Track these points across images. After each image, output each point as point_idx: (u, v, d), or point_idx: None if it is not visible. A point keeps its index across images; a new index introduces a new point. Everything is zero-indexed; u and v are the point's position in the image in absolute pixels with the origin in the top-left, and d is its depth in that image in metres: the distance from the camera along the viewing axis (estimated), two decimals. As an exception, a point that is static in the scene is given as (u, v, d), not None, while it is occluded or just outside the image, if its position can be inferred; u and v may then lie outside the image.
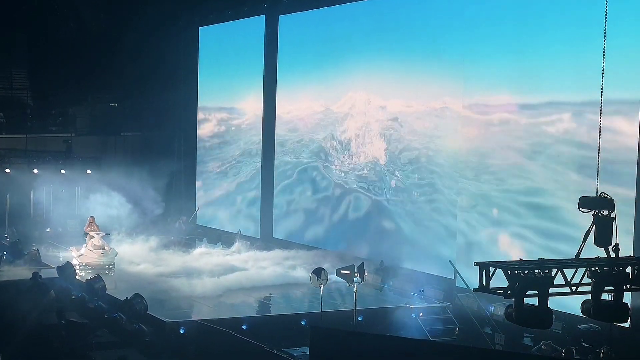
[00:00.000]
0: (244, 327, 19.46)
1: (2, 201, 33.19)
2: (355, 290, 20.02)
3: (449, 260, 23.06)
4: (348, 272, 20.37)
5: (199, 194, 36.71)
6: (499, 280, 11.42)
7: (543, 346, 17.82)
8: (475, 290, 11.59)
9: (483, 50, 23.17)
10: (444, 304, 21.95)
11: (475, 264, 11.50)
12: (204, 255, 29.07)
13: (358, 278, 20.30)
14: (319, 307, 20.15)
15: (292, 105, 31.34)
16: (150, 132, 38.45)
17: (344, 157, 28.59)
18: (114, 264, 26.70)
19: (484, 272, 11.32)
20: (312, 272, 20.59)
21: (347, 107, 28.48)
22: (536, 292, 11.28)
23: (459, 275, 22.31)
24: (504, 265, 11.28)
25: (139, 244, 29.66)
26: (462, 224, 23.53)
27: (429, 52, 25.13)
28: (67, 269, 24.01)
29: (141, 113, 37.60)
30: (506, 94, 22.32)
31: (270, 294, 24.35)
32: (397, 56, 26.33)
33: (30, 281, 22.44)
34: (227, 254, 29.35)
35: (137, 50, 35.06)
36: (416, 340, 16.67)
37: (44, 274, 23.58)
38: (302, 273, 24.70)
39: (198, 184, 36.89)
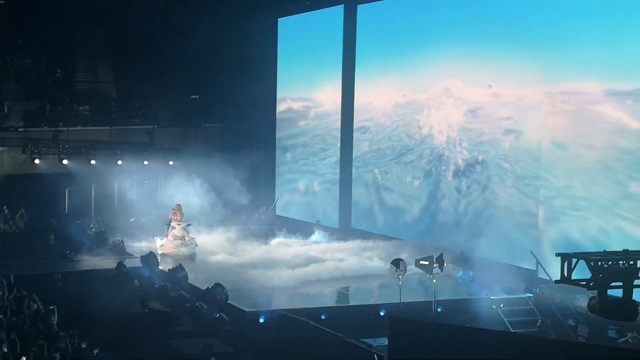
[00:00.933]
0: (322, 317, 19.49)
1: (88, 192, 33.95)
2: (434, 281, 19.85)
3: (530, 251, 22.66)
4: (427, 262, 20.18)
5: (279, 184, 36.91)
6: (582, 271, 11.18)
7: (630, 339, 17.38)
8: (557, 281, 11.39)
9: (566, 35, 22.62)
10: (525, 296, 21.60)
11: (557, 255, 11.29)
12: (282, 246, 29.23)
13: (437, 269, 20.10)
14: (398, 298, 20.05)
15: (371, 95, 31.22)
16: (230, 124, 38.81)
17: (422, 146, 28.35)
18: (194, 254, 27.10)
19: (566, 263, 11.10)
20: (391, 262, 20.50)
21: (426, 95, 28.23)
22: (620, 283, 10.99)
23: (541, 266, 21.92)
24: (587, 256, 11.05)
25: (219, 234, 29.97)
26: (544, 215, 23.10)
27: (509, 38, 24.67)
28: (150, 258, 24.45)
29: (221, 105, 37.99)
30: (592, 81, 21.71)
31: (348, 284, 24.30)
32: (477, 44, 25.93)
33: (115, 270, 22.92)
34: (306, 244, 29.46)
35: (216, 42, 35.40)
36: (497, 332, 16.42)
37: (128, 263, 24.04)
38: (381, 264, 24.61)
39: (277, 174, 37.09)
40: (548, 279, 21.04)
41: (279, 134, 37.13)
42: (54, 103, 38.56)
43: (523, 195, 24.04)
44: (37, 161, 36.05)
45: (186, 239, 27.44)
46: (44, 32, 39.96)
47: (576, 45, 22.28)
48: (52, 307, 18.01)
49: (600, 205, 21.31)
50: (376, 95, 30.89)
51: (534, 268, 22.44)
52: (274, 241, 30.17)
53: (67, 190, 33.65)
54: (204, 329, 19.99)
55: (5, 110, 37.53)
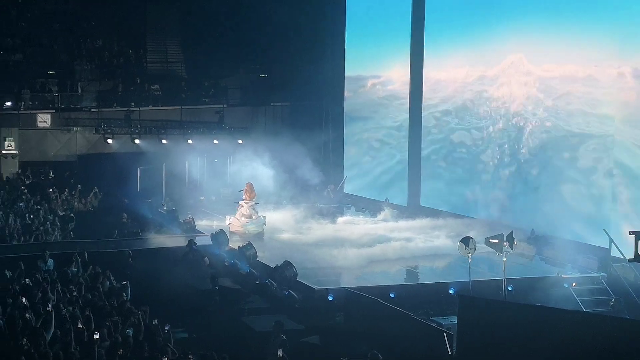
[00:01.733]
0: (391, 295, 19.45)
1: (159, 171, 34.43)
2: (504, 259, 19.62)
3: (604, 229, 22.24)
4: (497, 241, 19.93)
5: (347, 162, 36.87)
6: (657, 250, 10.92)
7: None
8: (630, 260, 11.16)
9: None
10: (598, 274, 21.21)
11: (631, 233, 11.09)
12: (351, 224, 29.19)
13: (507, 247, 19.85)
14: (468, 277, 19.88)
15: (440, 71, 30.89)
16: (299, 102, 38.87)
17: (493, 122, 27.97)
18: (262, 232, 27.27)
19: (639, 242, 10.86)
20: (460, 241, 20.34)
21: (496, 71, 27.82)
22: (697, 262, 10.71)
23: (614, 244, 21.49)
24: (662, 235, 10.77)
25: (287, 212, 30.03)
26: (617, 192, 22.60)
27: (583, 12, 24.11)
28: (220, 236, 24.66)
29: (290, 83, 38.08)
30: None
31: (417, 262, 24.15)
32: (549, 18, 25.42)
33: (186, 248, 23.22)
34: (374, 222, 29.36)
35: (285, 21, 35.42)
36: (568, 311, 16.16)
37: (198, 241, 24.29)
38: (449, 242, 24.42)
39: (346, 152, 37.04)
40: (622, 257, 20.62)
41: (347, 111, 37.02)
42: (125, 83, 39.20)
43: (596, 173, 23.56)
44: (109, 141, 36.72)
45: (254, 217, 27.61)
46: (115, 13, 40.60)
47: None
48: (124, 282, 18.36)
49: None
50: (445, 71, 30.55)
51: (607, 246, 22.02)
52: (342, 219, 30.15)
53: (138, 169, 34.18)
54: (273, 305, 20.13)
55: (79, 91, 38.29)
